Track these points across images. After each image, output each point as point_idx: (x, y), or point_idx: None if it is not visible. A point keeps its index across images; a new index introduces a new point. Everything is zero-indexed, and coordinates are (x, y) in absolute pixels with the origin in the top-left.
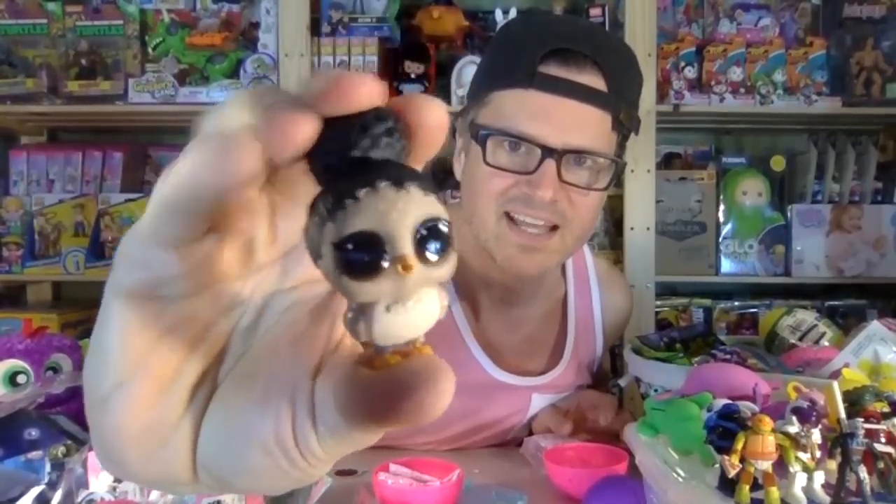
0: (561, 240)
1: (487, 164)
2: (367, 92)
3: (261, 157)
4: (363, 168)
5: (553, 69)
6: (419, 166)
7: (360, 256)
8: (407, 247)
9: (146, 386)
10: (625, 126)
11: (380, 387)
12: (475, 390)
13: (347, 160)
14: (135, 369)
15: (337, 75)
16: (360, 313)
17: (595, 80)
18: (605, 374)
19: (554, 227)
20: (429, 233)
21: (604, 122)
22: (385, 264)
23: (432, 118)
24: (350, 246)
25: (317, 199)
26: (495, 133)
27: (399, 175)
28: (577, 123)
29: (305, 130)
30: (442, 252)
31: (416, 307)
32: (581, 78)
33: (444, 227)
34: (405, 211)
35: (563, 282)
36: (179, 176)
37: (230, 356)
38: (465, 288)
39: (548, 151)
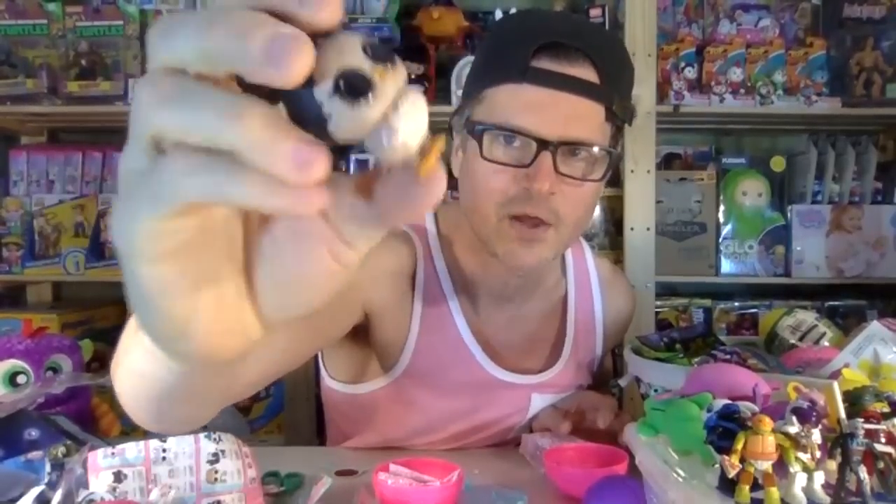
0: (556, 232)
1: (485, 158)
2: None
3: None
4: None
5: (545, 63)
6: None
7: (358, 86)
8: (369, 63)
9: (211, 308)
10: (618, 117)
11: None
12: (474, 388)
13: None
14: (194, 304)
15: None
16: (381, 133)
17: (587, 73)
18: (608, 375)
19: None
20: (374, 50)
21: (597, 114)
22: (374, 81)
23: None
24: (342, 83)
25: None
26: (491, 128)
27: (323, 32)
28: (571, 116)
29: None
30: (391, 58)
31: (415, 101)
32: (573, 71)
33: (378, 43)
34: (353, 45)
35: (564, 282)
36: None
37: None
38: (463, 285)
39: (543, 144)
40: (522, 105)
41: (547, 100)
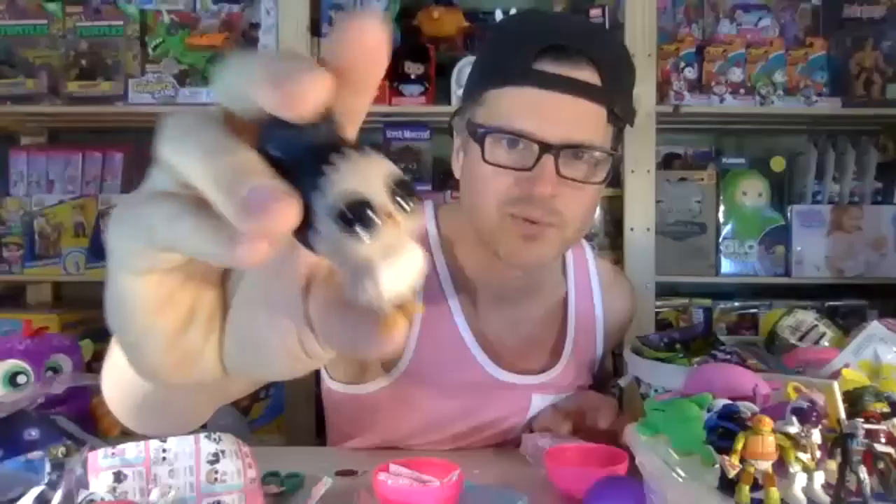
0: (560, 232)
1: (486, 161)
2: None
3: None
4: (321, 148)
5: (547, 66)
6: (367, 97)
7: (360, 218)
8: (389, 202)
9: (170, 329)
10: (620, 119)
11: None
12: (474, 389)
13: (303, 146)
14: (155, 318)
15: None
16: (362, 274)
17: (589, 75)
18: (608, 375)
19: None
20: (398, 187)
21: (599, 116)
22: (378, 221)
23: (367, 41)
24: (348, 211)
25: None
26: (493, 131)
27: (355, 144)
28: (573, 118)
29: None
30: (411, 201)
31: (408, 256)
32: (575, 73)
33: (406, 180)
34: (378, 171)
35: (564, 283)
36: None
37: (234, 274)
38: (463, 285)
39: (545, 147)
40: (524, 108)
41: (549, 103)
